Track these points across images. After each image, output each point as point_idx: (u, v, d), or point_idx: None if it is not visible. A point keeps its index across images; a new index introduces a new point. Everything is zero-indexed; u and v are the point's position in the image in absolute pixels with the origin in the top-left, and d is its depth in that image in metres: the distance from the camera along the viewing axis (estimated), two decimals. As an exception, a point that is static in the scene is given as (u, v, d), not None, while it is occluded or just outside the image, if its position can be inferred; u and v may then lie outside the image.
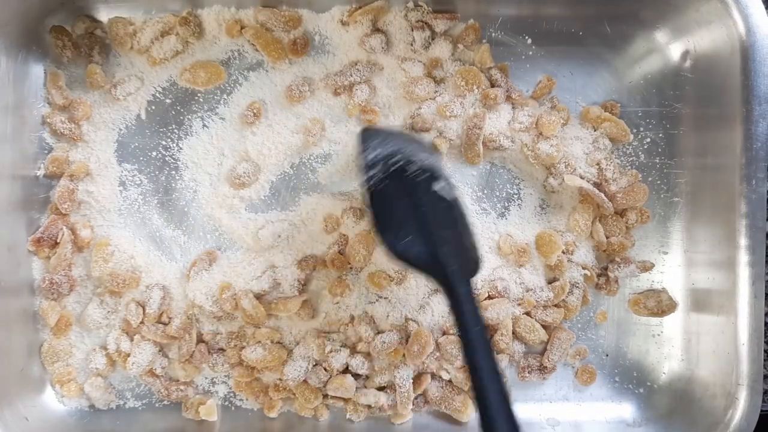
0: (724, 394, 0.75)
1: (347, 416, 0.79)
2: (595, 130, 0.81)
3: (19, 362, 0.76)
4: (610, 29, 0.81)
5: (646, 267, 0.81)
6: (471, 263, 0.65)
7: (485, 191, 0.82)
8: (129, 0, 0.78)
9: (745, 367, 0.73)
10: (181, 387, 0.78)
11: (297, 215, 0.80)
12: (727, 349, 0.75)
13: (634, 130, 0.82)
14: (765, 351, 0.74)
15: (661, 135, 0.82)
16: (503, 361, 0.80)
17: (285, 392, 0.78)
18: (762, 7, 0.72)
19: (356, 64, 0.79)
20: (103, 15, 0.79)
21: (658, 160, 0.82)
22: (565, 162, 0.79)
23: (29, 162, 0.78)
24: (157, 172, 0.80)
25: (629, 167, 0.82)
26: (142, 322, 0.77)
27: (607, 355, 0.83)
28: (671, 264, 0.82)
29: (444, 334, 0.78)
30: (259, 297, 0.77)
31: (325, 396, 0.79)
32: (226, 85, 0.80)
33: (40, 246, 0.76)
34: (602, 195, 0.78)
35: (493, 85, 0.79)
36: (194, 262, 0.78)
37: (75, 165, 0.78)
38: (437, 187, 0.66)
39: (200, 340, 0.79)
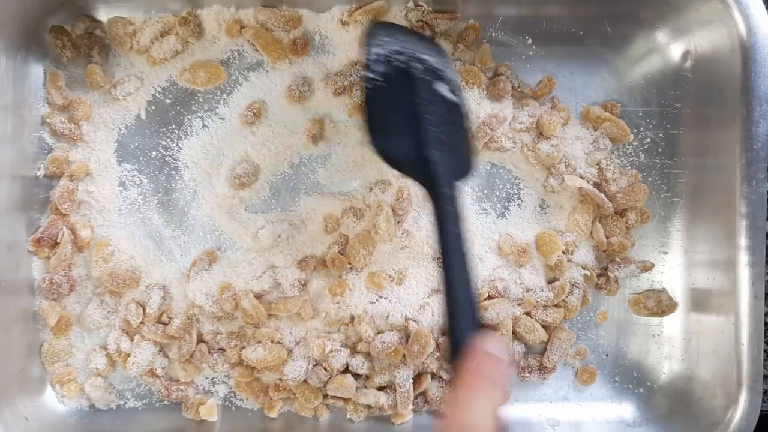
0: (724, 394, 0.75)
1: (347, 416, 0.79)
2: (595, 130, 0.81)
3: (19, 362, 0.76)
4: (610, 29, 0.81)
5: (646, 267, 0.81)
6: (462, 167, 0.64)
7: (485, 191, 0.82)
8: (129, 0, 0.78)
9: (745, 367, 0.73)
10: (182, 387, 0.78)
11: (297, 215, 0.80)
12: (727, 349, 0.75)
13: (635, 130, 0.81)
14: (765, 351, 0.74)
15: (661, 135, 0.82)
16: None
17: (285, 392, 0.78)
18: (762, 7, 0.72)
19: (356, 64, 0.79)
20: (103, 15, 0.79)
21: (658, 160, 0.82)
22: (565, 162, 0.79)
23: (29, 162, 0.78)
24: (157, 172, 0.80)
25: (629, 167, 0.82)
26: (142, 322, 0.77)
27: (607, 355, 0.83)
28: (671, 264, 0.82)
29: (444, 333, 0.78)
30: (259, 297, 0.77)
31: (325, 396, 0.79)
32: (226, 85, 0.80)
33: (40, 246, 0.76)
34: (602, 195, 0.78)
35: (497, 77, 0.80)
36: (194, 262, 0.78)
37: (75, 165, 0.78)
38: (439, 87, 0.64)
39: (200, 340, 0.79)
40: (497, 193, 0.82)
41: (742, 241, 0.74)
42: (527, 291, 0.80)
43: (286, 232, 0.79)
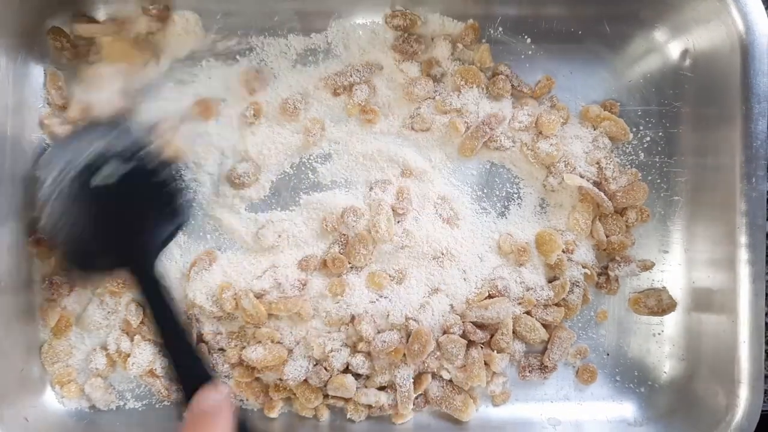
0: (725, 393, 0.75)
1: (348, 416, 0.79)
2: (594, 129, 0.81)
3: (19, 362, 0.76)
4: (609, 28, 0.81)
5: (647, 266, 0.81)
6: (168, 221, 0.68)
7: (485, 190, 0.82)
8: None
9: (746, 365, 0.73)
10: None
11: (297, 215, 0.80)
12: (728, 347, 0.75)
13: (634, 129, 0.82)
14: (766, 350, 0.74)
15: (660, 134, 0.82)
16: (504, 361, 0.80)
17: (285, 392, 0.78)
18: (761, 5, 0.72)
19: (356, 65, 0.79)
20: (102, 15, 0.79)
21: (657, 159, 0.82)
22: (564, 161, 0.79)
23: (30, 163, 0.77)
24: (157, 173, 0.80)
25: (629, 166, 0.82)
26: (142, 322, 0.77)
27: (608, 354, 0.83)
28: (671, 263, 0.82)
29: (444, 333, 0.78)
30: (259, 297, 0.77)
31: (326, 396, 0.79)
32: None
33: (39, 247, 0.76)
34: (602, 194, 0.78)
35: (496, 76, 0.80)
36: (194, 262, 0.78)
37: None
38: (97, 180, 0.65)
39: (200, 340, 0.78)
40: (497, 193, 0.82)
41: (742, 239, 0.74)
42: (527, 290, 0.80)
43: (286, 232, 0.79)
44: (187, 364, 0.62)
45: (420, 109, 0.79)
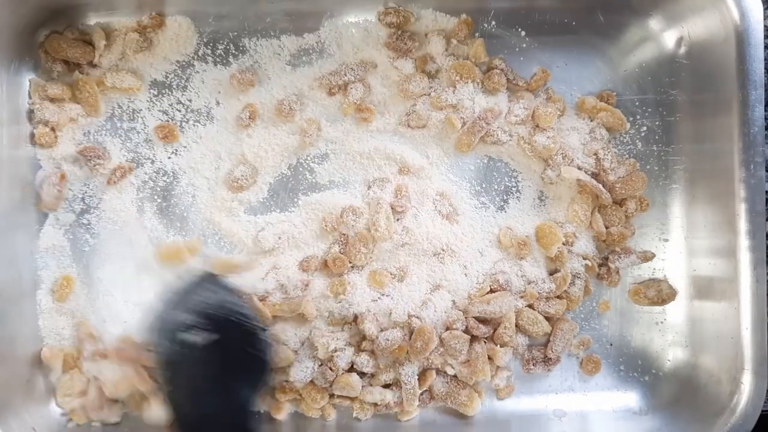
0: (729, 380, 0.75)
1: (354, 415, 0.80)
2: (591, 121, 0.81)
3: (25, 373, 0.76)
4: (603, 18, 0.80)
5: (647, 257, 0.81)
6: (256, 376, 0.66)
7: (483, 185, 0.82)
8: (119, 8, 0.78)
9: (749, 351, 0.73)
10: None
11: (296, 216, 0.80)
12: (731, 334, 0.75)
13: (631, 119, 0.81)
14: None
15: (657, 122, 0.82)
16: (507, 354, 0.80)
17: (291, 393, 0.78)
18: (754, -9, 0.72)
19: (350, 64, 0.79)
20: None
21: (655, 148, 0.82)
22: (562, 153, 0.79)
23: (27, 171, 0.78)
24: (154, 178, 0.80)
25: (627, 156, 0.82)
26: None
27: (611, 345, 0.83)
28: (672, 251, 0.82)
29: (447, 329, 0.78)
30: (263, 299, 0.77)
31: (332, 395, 0.79)
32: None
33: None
34: (600, 185, 0.78)
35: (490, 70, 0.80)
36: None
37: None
38: (192, 339, 0.64)
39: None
40: (495, 187, 0.82)
41: (742, 226, 0.74)
42: (529, 283, 0.80)
43: (286, 234, 0.79)
44: None
45: (416, 106, 0.79)
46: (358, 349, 0.78)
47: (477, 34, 0.81)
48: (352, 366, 0.78)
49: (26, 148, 0.77)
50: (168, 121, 0.80)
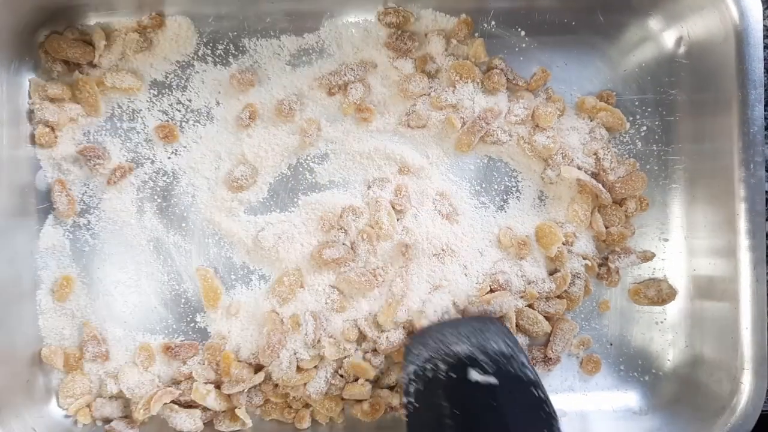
0: (729, 379, 0.75)
1: (360, 416, 0.80)
2: (591, 120, 0.81)
3: (25, 373, 0.76)
4: (603, 18, 0.80)
5: (647, 257, 0.81)
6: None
7: (483, 185, 0.82)
8: (119, 8, 0.78)
9: (749, 351, 0.73)
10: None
11: (296, 216, 0.80)
12: (731, 333, 0.75)
13: (631, 119, 0.81)
14: (769, 335, 0.74)
15: (657, 122, 0.82)
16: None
17: (303, 400, 0.79)
18: (754, -10, 0.72)
19: (350, 64, 0.79)
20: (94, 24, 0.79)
21: (655, 148, 0.82)
22: (562, 153, 0.79)
23: (27, 172, 0.78)
24: (154, 178, 0.80)
25: (627, 156, 0.82)
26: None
27: (611, 344, 0.83)
28: (672, 251, 0.82)
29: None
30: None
31: (342, 399, 0.79)
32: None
33: None
34: (600, 185, 0.78)
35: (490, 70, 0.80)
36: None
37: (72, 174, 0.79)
38: (474, 376, 0.62)
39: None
40: (495, 187, 0.82)
41: (742, 225, 0.74)
42: (529, 283, 0.80)
43: (286, 234, 0.79)
44: None
45: (415, 105, 0.79)
46: (364, 352, 0.78)
47: (477, 34, 0.81)
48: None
49: (26, 148, 0.77)
50: (168, 121, 0.80)
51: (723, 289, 0.76)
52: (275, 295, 0.78)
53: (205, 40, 0.80)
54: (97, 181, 0.79)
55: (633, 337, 0.83)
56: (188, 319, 0.80)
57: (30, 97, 0.77)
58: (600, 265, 0.82)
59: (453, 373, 0.63)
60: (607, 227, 0.80)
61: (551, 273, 0.81)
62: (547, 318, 0.80)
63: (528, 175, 0.82)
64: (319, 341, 0.77)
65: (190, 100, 0.80)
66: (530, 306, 0.80)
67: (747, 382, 0.73)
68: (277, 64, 0.80)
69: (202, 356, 0.79)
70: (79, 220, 0.79)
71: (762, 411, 0.73)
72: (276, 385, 0.78)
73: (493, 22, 0.81)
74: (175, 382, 0.79)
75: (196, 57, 0.80)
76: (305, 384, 0.77)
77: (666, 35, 0.80)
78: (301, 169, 0.81)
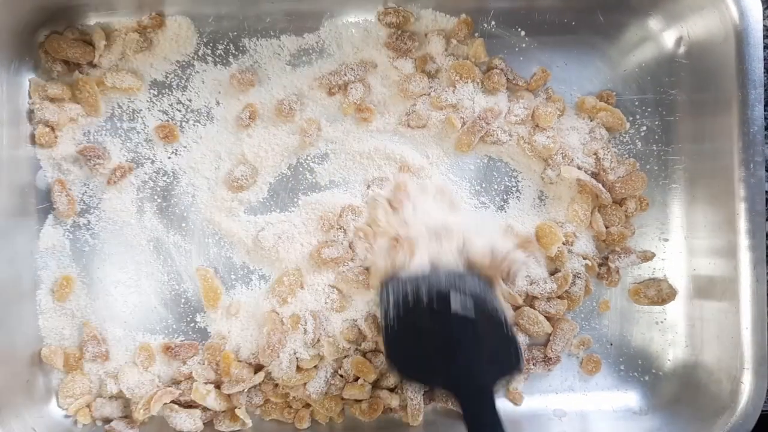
0: (729, 379, 0.75)
1: (358, 415, 0.80)
2: (591, 120, 0.81)
3: (25, 373, 0.76)
4: (602, 18, 0.80)
5: (647, 257, 0.81)
6: (503, 364, 0.67)
7: (483, 185, 0.82)
8: (119, 8, 0.78)
9: (749, 351, 0.73)
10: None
11: (296, 216, 0.80)
12: (731, 333, 0.75)
13: (630, 118, 0.81)
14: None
15: (657, 122, 0.82)
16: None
17: (303, 400, 0.79)
18: (754, -10, 0.72)
19: (350, 64, 0.79)
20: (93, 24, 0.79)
21: (655, 148, 0.82)
22: (562, 153, 0.79)
23: (26, 172, 0.78)
24: (154, 178, 0.80)
25: (627, 156, 0.82)
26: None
27: (611, 344, 0.83)
28: (672, 251, 0.82)
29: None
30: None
31: (342, 399, 0.79)
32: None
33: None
34: (600, 185, 0.78)
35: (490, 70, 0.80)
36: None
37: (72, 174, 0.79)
38: (455, 305, 0.66)
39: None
40: (495, 187, 0.82)
41: (742, 225, 0.74)
42: (530, 284, 0.79)
43: (286, 234, 0.79)
44: None
45: (415, 106, 0.79)
46: (363, 353, 0.78)
47: (477, 34, 0.81)
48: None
49: (26, 148, 0.77)
50: (168, 121, 0.80)
51: (723, 289, 0.76)
52: (275, 295, 0.78)
53: (205, 40, 0.80)
54: (97, 181, 0.79)
55: (633, 337, 0.83)
56: (188, 319, 0.80)
57: (30, 97, 0.77)
58: (600, 265, 0.82)
59: (435, 303, 0.67)
60: (607, 227, 0.80)
61: (551, 273, 0.81)
62: (547, 318, 0.80)
63: (528, 175, 0.82)
64: (318, 341, 0.77)
65: (190, 100, 0.80)
66: (531, 306, 0.80)
67: (747, 382, 0.73)
68: (277, 64, 0.80)
69: (202, 356, 0.79)
70: (79, 220, 0.79)
71: (762, 411, 0.73)
72: (276, 385, 0.78)
73: (493, 22, 0.81)
74: (175, 382, 0.79)
75: (196, 57, 0.80)
76: (305, 384, 0.78)
77: (666, 35, 0.80)
78: (301, 169, 0.81)
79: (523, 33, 0.81)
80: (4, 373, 0.73)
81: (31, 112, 0.77)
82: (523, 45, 0.81)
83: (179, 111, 0.80)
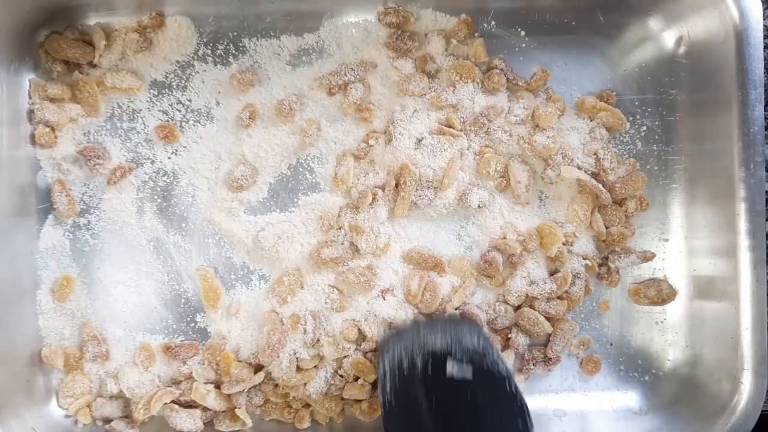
0: (729, 379, 0.75)
1: (358, 415, 0.80)
2: (591, 120, 0.81)
3: (25, 373, 0.76)
4: (603, 18, 0.80)
5: (647, 257, 0.81)
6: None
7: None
8: (119, 8, 0.78)
9: (749, 351, 0.74)
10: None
11: (296, 216, 0.80)
12: (731, 334, 0.75)
13: (631, 119, 0.81)
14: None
15: (657, 122, 0.82)
16: (509, 357, 0.80)
17: (303, 400, 0.79)
18: (754, -10, 0.72)
19: (350, 64, 0.79)
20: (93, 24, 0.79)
21: (655, 148, 0.82)
22: (562, 153, 0.79)
23: (27, 172, 0.78)
24: (154, 178, 0.80)
25: (627, 156, 0.82)
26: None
27: (611, 344, 0.83)
28: (672, 251, 0.82)
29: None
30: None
31: (342, 399, 0.79)
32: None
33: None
34: (600, 185, 0.78)
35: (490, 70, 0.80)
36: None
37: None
38: (450, 370, 0.64)
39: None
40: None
41: (742, 226, 0.74)
42: (531, 284, 0.79)
43: (286, 234, 0.79)
44: None
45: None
46: (364, 352, 0.78)
47: (477, 34, 0.81)
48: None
49: (26, 148, 0.77)
50: (168, 121, 0.80)
51: (723, 289, 0.76)
52: (275, 295, 0.78)
53: (205, 40, 0.80)
54: (97, 181, 0.79)
55: (633, 337, 0.83)
56: (188, 319, 0.80)
57: (30, 97, 0.77)
58: (600, 265, 0.82)
59: (429, 368, 0.65)
60: (607, 227, 0.80)
61: (551, 273, 0.81)
62: (547, 318, 0.80)
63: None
64: (318, 341, 0.77)
65: (190, 100, 0.80)
66: (531, 306, 0.80)
67: (747, 382, 0.73)
68: (277, 64, 0.80)
69: (202, 356, 0.79)
70: (79, 220, 0.79)
71: (762, 411, 0.73)
72: (276, 385, 0.78)
73: (493, 22, 0.81)
74: (175, 382, 0.79)
75: (196, 57, 0.80)
76: (305, 384, 0.78)
77: (666, 35, 0.80)
78: (301, 169, 0.81)
79: (523, 33, 0.81)
80: (4, 373, 0.73)
81: (31, 112, 0.77)
82: (523, 45, 0.81)
83: (179, 111, 0.80)
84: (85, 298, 0.79)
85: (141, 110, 0.80)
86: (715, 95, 0.76)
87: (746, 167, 0.73)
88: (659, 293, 0.81)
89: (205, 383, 0.78)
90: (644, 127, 0.82)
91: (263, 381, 0.78)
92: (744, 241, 0.73)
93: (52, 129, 0.77)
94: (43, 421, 0.77)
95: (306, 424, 0.79)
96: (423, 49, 0.80)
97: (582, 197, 0.80)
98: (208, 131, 0.80)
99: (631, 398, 0.83)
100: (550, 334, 0.81)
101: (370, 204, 0.76)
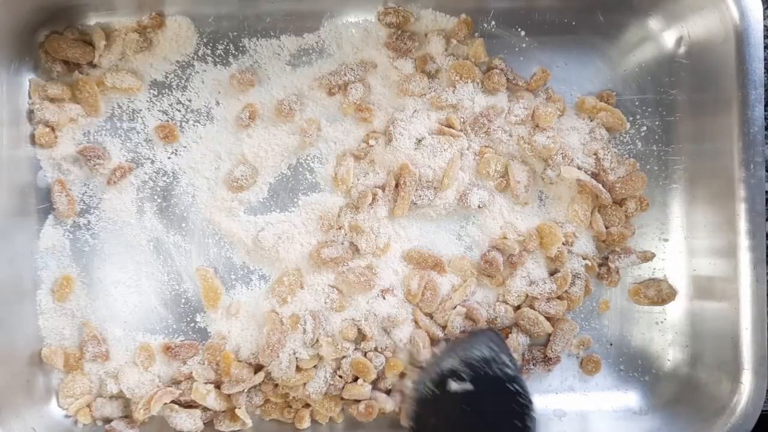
0: (729, 379, 0.75)
1: (356, 416, 0.79)
2: (591, 120, 0.81)
3: (25, 373, 0.76)
4: (603, 18, 0.80)
5: (647, 257, 0.81)
6: None
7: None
8: (119, 8, 0.78)
9: (749, 351, 0.74)
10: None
11: (296, 216, 0.80)
12: (731, 334, 0.75)
13: (631, 119, 0.81)
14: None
15: (657, 122, 0.82)
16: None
17: (303, 400, 0.79)
18: (754, -10, 0.72)
19: (350, 64, 0.79)
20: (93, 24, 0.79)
21: (655, 148, 0.82)
22: (562, 153, 0.79)
23: (27, 172, 0.78)
24: (154, 178, 0.80)
25: (627, 156, 0.82)
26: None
27: (611, 344, 0.83)
28: (672, 251, 0.82)
29: (444, 327, 0.78)
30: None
31: (341, 399, 0.79)
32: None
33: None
34: (599, 185, 0.78)
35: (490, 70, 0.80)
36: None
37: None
38: (452, 386, 0.68)
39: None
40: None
41: (742, 226, 0.74)
42: (531, 284, 0.79)
43: (286, 234, 0.79)
44: None
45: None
46: (364, 352, 0.78)
47: (477, 34, 0.81)
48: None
49: (26, 148, 0.77)
50: (168, 121, 0.80)
51: (723, 289, 0.76)
52: (275, 295, 0.78)
53: (205, 40, 0.80)
54: (97, 181, 0.79)
55: (633, 337, 0.83)
56: (188, 319, 0.80)
57: (30, 97, 0.77)
58: (600, 265, 0.82)
59: (437, 388, 0.69)
60: (607, 227, 0.80)
61: (551, 273, 0.81)
62: (547, 318, 0.80)
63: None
64: (317, 341, 0.77)
65: (190, 100, 0.80)
66: (531, 306, 0.80)
67: (747, 382, 0.73)
68: (277, 64, 0.80)
69: (202, 356, 0.79)
70: (79, 220, 0.79)
71: (762, 411, 0.73)
72: (276, 385, 0.78)
73: (493, 22, 0.81)
74: (175, 382, 0.79)
75: (196, 57, 0.80)
76: (305, 384, 0.78)
77: (666, 35, 0.80)
78: (301, 169, 0.81)
79: (523, 33, 0.81)
80: (4, 373, 0.73)
81: (31, 112, 0.77)
82: (523, 45, 0.81)
83: (179, 111, 0.80)
84: (85, 298, 0.79)
85: (141, 110, 0.80)
86: (715, 95, 0.76)
87: (746, 167, 0.73)
88: (659, 293, 0.81)
89: (205, 383, 0.78)
90: (644, 127, 0.82)
91: (263, 381, 0.78)
92: (744, 241, 0.73)
93: (52, 129, 0.77)
94: (43, 421, 0.77)
95: (306, 424, 0.79)
96: (423, 49, 0.80)
97: (582, 197, 0.80)
98: (208, 131, 0.80)
99: (631, 398, 0.83)
100: (550, 334, 0.81)
101: (370, 204, 0.76)
